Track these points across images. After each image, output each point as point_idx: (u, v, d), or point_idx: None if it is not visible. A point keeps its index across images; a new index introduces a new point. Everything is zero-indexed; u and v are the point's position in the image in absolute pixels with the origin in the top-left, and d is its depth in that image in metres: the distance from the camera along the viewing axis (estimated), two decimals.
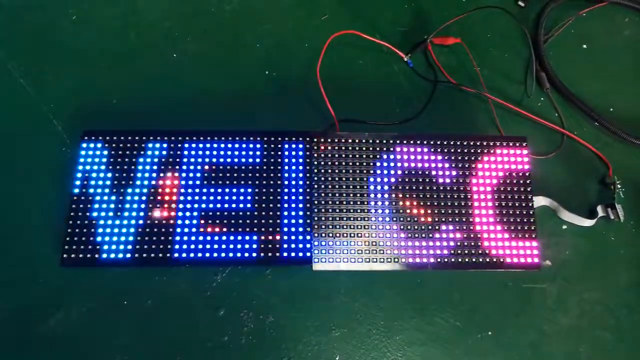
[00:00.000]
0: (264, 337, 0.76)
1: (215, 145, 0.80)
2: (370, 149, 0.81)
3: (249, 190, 0.78)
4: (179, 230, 0.76)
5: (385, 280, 0.79)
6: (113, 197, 0.77)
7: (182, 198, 0.77)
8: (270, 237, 0.76)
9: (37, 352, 0.75)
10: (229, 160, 0.80)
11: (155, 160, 0.79)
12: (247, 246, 0.75)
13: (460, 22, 0.93)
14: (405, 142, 0.81)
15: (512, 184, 0.81)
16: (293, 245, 0.76)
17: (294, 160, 0.80)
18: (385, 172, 0.80)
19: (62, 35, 0.94)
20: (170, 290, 0.77)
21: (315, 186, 0.79)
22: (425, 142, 0.82)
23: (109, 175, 0.78)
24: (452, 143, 0.82)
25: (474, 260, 0.77)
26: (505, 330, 0.78)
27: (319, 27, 0.96)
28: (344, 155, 0.80)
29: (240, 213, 0.77)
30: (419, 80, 0.92)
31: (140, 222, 0.76)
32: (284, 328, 0.76)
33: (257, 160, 0.80)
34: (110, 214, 0.76)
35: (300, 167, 0.80)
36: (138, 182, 0.78)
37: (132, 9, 0.97)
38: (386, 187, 0.79)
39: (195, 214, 0.77)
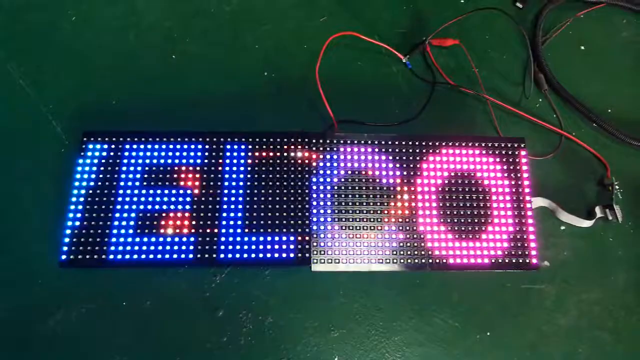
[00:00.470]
0: (263, 337, 0.76)
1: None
2: (369, 150, 0.81)
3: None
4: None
5: (384, 281, 0.79)
6: (112, 198, 0.77)
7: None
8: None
9: (36, 353, 0.75)
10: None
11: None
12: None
13: (459, 23, 0.93)
14: (399, 142, 0.82)
15: (510, 185, 0.81)
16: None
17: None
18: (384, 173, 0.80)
19: (62, 36, 0.94)
20: (170, 291, 0.77)
21: (314, 187, 0.79)
22: (423, 143, 0.82)
23: (108, 176, 0.78)
24: (449, 144, 0.82)
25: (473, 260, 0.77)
26: (504, 330, 0.78)
27: (318, 28, 0.96)
28: (342, 157, 0.81)
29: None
30: (417, 82, 0.93)
31: (137, 222, 0.77)
32: (283, 329, 0.77)
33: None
34: (109, 214, 0.77)
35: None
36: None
37: (132, 10, 0.97)
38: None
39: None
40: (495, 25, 0.98)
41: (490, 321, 0.79)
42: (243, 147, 0.80)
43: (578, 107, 0.91)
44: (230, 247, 0.75)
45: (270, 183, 0.79)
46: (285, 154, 0.80)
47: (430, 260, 0.76)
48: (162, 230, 0.76)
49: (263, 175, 0.79)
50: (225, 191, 0.78)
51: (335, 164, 0.80)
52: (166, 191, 0.78)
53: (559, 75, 0.93)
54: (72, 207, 0.77)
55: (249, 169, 0.79)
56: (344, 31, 0.91)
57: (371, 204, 0.78)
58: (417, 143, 0.82)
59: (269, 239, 0.76)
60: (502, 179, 0.81)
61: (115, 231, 0.76)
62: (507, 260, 0.77)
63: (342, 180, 0.80)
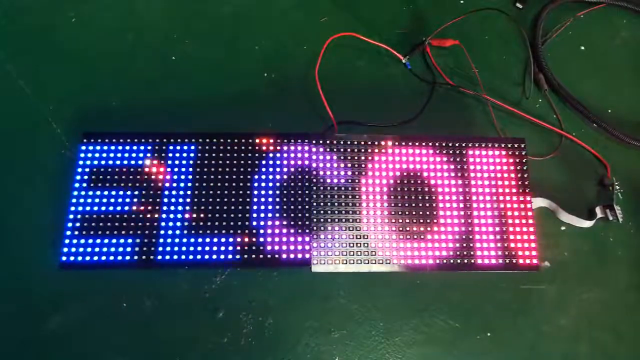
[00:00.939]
0: (263, 338, 0.76)
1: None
2: (368, 150, 0.81)
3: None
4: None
5: (384, 281, 0.79)
6: (112, 200, 0.77)
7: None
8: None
9: (37, 354, 0.75)
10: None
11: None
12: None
13: (459, 24, 0.93)
14: (404, 143, 0.82)
15: (510, 185, 0.81)
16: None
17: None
18: (382, 173, 0.80)
19: (61, 37, 0.94)
20: (169, 292, 0.77)
21: (314, 188, 0.79)
22: (423, 144, 0.82)
23: (108, 177, 0.78)
24: (449, 145, 0.82)
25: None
26: (504, 331, 0.78)
27: (317, 29, 0.96)
28: (342, 157, 0.81)
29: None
30: (417, 82, 0.93)
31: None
32: (283, 330, 0.77)
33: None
34: (110, 216, 0.77)
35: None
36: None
37: (131, 11, 0.97)
38: (378, 189, 0.79)
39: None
40: (495, 26, 0.98)
41: (491, 321, 0.78)
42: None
43: (578, 107, 0.91)
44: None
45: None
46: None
47: (431, 261, 0.76)
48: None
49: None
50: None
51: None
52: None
53: (559, 76, 0.93)
54: (72, 208, 0.77)
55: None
56: (344, 32, 0.91)
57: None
58: (416, 143, 0.82)
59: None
60: (502, 179, 0.81)
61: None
62: (509, 261, 0.77)
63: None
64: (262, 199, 0.78)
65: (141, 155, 0.80)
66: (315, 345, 0.76)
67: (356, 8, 0.99)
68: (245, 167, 0.80)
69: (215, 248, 0.75)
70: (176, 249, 0.75)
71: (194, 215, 0.77)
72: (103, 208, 0.77)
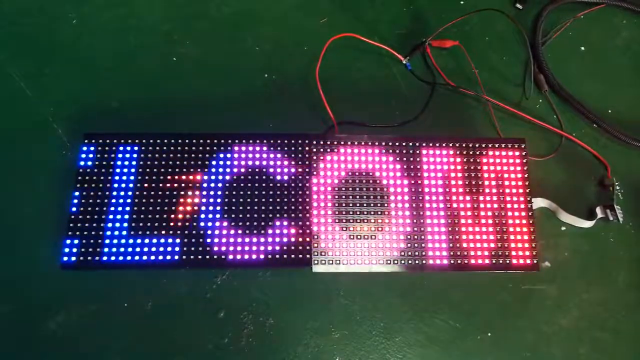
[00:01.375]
0: (264, 339, 0.76)
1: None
2: (369, 151, 0.81)
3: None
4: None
5: (384, 281, 0.79)
6: (113, 200, 0.78)
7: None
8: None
9: (38, 354, 0.75)
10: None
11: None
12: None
13: (459, 24, 0.94)
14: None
15: (511, 186, 0.81)
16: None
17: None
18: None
19: (62, 38, 0.94)
20: (171, 292, 0.78)
21: (315, 189, 0.79)
22: (425, 144, 0.82)
23: (109, 177, 0.79)
24: (450, 145, 0.82)
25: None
26: (505, 331, 0.78)
27: (318, 30, 0.96)
28: (343, 159, 0.81)
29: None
30: (417, 83, 0.93)
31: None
32: (284, 330, 0.77)
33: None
34: (111, 216, 0.77)
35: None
36: (131, 185, 0.79)
37: (132, 12, 0.97)
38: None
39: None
40: (495, 26, 0.98)
41: (491, 322, 0.79)
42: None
43: (578, 107, 0.91)
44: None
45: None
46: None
47: (431, 262, 0.76)
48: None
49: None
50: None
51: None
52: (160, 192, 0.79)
53: (559, 76, 0.94)
54: (74, 208, 0.77)
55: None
56: (344, 33, 0.91)
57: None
58: (417, 144, 0.82)
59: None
60: (503, 179, 0.81)
61: (108, 232, 0.76)
62: (510, 261, 0.77)
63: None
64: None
65: (142, 155, 0.80)
66: (315, 345, 0.76)
67: (356, 9, 0.99)
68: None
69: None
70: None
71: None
72: (104, 208, 0.77)
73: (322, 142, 0.81)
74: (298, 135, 0.82)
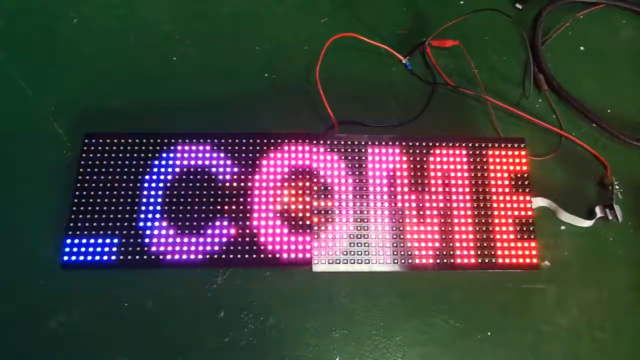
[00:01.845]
0: (264, 338, 0.76)
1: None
2: (366, 150, 0.81)
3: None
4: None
5: (385, 281, 0.80)
6: (114, 200, 0.78)
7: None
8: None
9: (38, 354, 0.75)
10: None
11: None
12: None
13: (459, 24, 0.94)
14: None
15: (511, 185, 0.81)
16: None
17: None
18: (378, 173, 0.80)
19: (63, 38, 0.94)
20: (171, 291, 0.78)
21: (315, 188, 0.79)
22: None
23: (109, 177, 0.79)
24: (443, 144, 0.82)
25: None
26: (505, 330, 0.78)
27: (318, 30, 0.96)
28: (343, 158, 0.81)
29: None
30: (417, 83, 0.93)
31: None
32: (284, 329, 0.77)
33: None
34: (111, 216, 0.77)
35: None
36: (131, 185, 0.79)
37: (132, 12, 0.97)
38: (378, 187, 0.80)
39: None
40: (495, 26, 0.99)
41: (491, 321, 0.79)
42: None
43: (578, 107, 0.91)
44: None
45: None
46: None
47: (437, 260, 0.77)
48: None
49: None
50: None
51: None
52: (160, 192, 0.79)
53: (558, 76, 0.94)
54: (74, 208, 0.77)
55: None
56: (344, 32, 0.91)
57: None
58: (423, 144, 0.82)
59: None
60: (502, 178, 0.81)
61: (109, 232, 0.76)
62: (511, 261, 0.77)
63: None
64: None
65: (142, 155, 0.80)
66: (316, 344, 0.76)
67: (356, 9, 0.99)
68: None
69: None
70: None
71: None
72: (105, 208, 0.77)
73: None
74: (298, 135, 0.82)
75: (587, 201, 0.86)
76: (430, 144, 0.82)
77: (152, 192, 0.78)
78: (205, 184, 0.79)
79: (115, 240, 0.76)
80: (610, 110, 0.93)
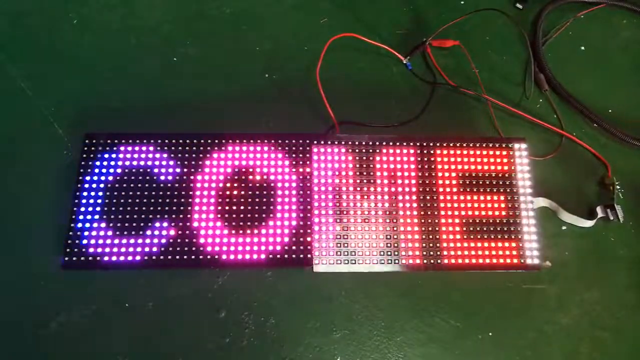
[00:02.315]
0: (265, 338, 0.76)
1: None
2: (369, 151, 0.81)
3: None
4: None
5: (385, 281, 0.80)
6: (114, 200, 0.78)
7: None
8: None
9: (38, 354, 0.75)
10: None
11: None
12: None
13: (459, 24, 0.94)
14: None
15: (512, 185, 0.81)
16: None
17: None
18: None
19: (63, 39, 0.94)
20: (172, 292, 0.78)
21: (316, 189, 0.79)
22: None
23: (110, 178, 0.79)
24: (438, 144, 0.82)
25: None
26: (506, 330, 0.78)
27: (318, 30, 0.96)
28: (343, 158, 0.81)
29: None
30: (418, 83, 0.93)
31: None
32: (285, 330, 0.77)
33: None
34: (112, 216, 0.77)
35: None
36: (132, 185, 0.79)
37: (132, 13, 0.97)
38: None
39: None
40: (495, 26, 0.99)
41: (492, 321, 0.79)
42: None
43: (578, 107, 0.91)
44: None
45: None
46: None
47: (434, 261, 0.77)
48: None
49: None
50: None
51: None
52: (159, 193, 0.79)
53: (559, 76, 0.94)
54: (74, 208, 0.77)
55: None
56: (344, 32, 0.91)
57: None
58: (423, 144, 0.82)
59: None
60: (502, 178, 0.81)
61: (109, 233, 0.76)
62: (512, 261, 0.77)
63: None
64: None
65: (143, 155, 0.80)
66: (317, 345, 0.76)
67: (356, 9, 0.99)
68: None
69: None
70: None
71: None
72: (105, 209, 0.77)
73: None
74: (298, 135, 0.82)
75: (588, 201, 0.86)
76: (431, 144, 0.82)
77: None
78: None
79: (116, 241, 0.76)
80: (611, 110, 0.93)
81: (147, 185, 0.79)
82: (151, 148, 0.80)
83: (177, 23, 0.96)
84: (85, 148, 0.80)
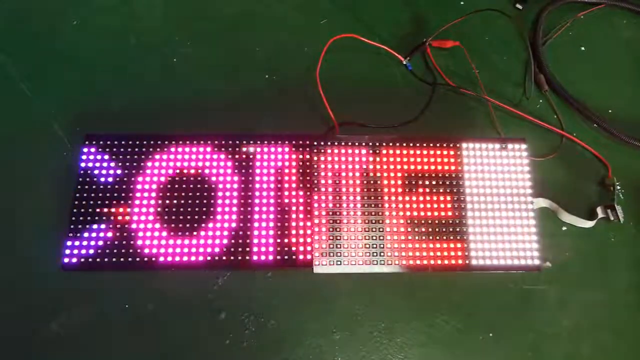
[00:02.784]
0: (266, 340, 0.76)
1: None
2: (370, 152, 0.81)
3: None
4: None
5: (385, 282, 0.79)
6: (114, 201, 0.78)
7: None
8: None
9: (38, 355, 0.75)
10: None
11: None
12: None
13: (459, 25, 0.94)
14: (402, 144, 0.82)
15: (512, 186, 0.81)
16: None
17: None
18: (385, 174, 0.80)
19: (63, 40, 0.94)
20: (171, 293, 0.78)
21: (316, 189, 0.79)
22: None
23: (110, 179, 0.79)
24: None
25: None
26: (506, 331, 0.78)
27: (318, 31, 0.96)
28: (343, 159, 0.81)
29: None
30: (418, 83, 0.93)
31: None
32: (285, 331, 0.77)
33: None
34: (112, 218, 0.77)
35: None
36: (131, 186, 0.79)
37: (132, 14, 0.97)
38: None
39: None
40: (495, 27, 0.99)
41: (492, 322, 0.78)
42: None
43: (578, 107, 0.91)
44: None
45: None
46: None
47: (432, 262, 0.77)
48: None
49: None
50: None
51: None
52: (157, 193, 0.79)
53: (559, 76, 0.94)
54: (75, 210, 0.77)
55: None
56: (344, 33, 0.91)
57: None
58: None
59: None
60: (503, 179, 0.81)
61: (110, 234, 0.76)
62: (512, 262, 0.77)
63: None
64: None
65: (143, 157, 0.80)
66: (317, 346, 0.76)
67: (356, 10, 0.99)
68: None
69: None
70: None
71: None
72: (105, 210, 0.77)
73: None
74: (298, 136, 0.82)
75: (588, 202, 0.86)
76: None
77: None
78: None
79: (109, 242, 0.76)
80: (612, 111, 0.93)
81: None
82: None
83: (177, 24, 0.96)
84: (85, 149, 0.80)
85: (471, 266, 0.77)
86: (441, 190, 0.80)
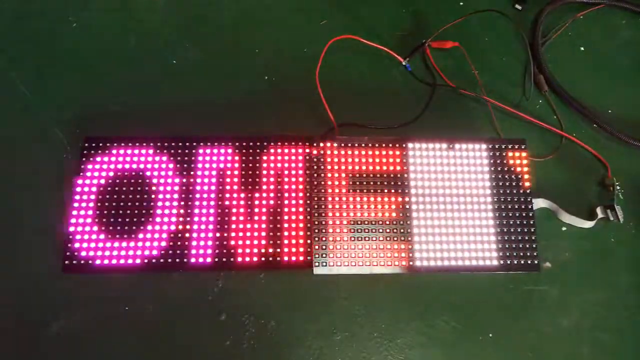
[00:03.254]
0: (266, 341, 0.76)
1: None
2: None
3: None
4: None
5: (385, 283, 0.80)
6: (114, 204, 0.78)
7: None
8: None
9: (39, 358, 0.75)
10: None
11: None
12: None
13: (458, 26, 0.94)
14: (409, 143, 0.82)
15: (512, 186, 0.81)
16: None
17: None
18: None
19: (63, 42, 0.94)
20: (172, 295, 0.78)
21: (315, 190, 0.79)
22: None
23: (110, 181, 0.79)
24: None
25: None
26: (506, 332, 0.78)
27: (317, 32, 0.96)
28: (343, 160, 0.81)
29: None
30: (417, 84, 0.93)
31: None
32: (286, 332, 0.77)
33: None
34: (112, 219, 0.77)
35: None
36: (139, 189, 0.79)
37: (132, 16, 0.97)
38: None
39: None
40: (494, 27, 0.99)
41: (492, 323, 0.79)
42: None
43: (578, 107, 0.91)
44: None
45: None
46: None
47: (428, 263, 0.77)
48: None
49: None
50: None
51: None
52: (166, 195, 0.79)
53: (559, 76, 0.94)
54: (75, 212, 0.77)
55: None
56: (344, 34, 0.91)
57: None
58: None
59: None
60: (503, 179, 0.81)
61: (110, 236, 0.77)
62: (512, 262, 0.77)
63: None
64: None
65: (142, 159, 0.80)
66: (317, 347, 0.76)
67: (356, 11, 0.99)
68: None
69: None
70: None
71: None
72: (106, 212, 0.77)
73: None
74: (298, 137, 0.82)
75: (588, 202, 0.86)
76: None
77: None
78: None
79: (116, 244, 0.76)
80: (611, 111, 0.93)
81: (139, 188, 0.79)
82: (150, 151, 0.81)
83: (177, 26, 0.97)
84: (85, 151, 0.80)
85: (471, 267, 0.77)
86: (441, 191, 0.80)
